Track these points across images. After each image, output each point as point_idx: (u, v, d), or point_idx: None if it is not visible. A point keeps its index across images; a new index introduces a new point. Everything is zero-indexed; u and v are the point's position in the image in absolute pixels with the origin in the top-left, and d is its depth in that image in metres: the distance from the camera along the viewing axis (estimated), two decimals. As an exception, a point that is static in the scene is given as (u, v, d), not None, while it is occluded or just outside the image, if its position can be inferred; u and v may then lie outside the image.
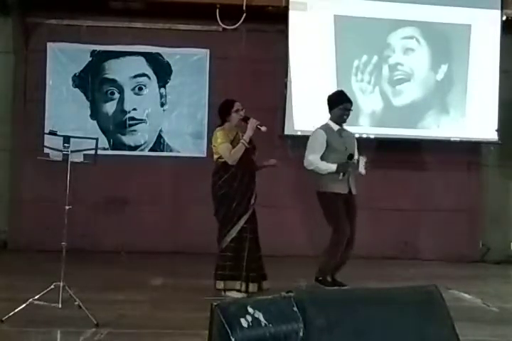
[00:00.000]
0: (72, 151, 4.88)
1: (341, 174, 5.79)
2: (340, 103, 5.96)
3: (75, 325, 4.47)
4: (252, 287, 5.51)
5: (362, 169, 5.86)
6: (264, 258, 5.69)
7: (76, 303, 4.60)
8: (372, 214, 8.07)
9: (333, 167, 5.80)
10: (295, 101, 7.99)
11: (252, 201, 5.63)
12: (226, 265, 5.51)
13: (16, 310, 4.48)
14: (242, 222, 5.55)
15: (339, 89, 6.52)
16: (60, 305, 4.55)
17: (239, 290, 5.47)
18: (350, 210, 5.96)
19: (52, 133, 5.05)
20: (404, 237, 8.35)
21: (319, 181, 5.92)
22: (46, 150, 5.23)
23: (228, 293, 5.48)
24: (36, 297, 4.58)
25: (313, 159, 5.88)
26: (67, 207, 4.86)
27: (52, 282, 4.67)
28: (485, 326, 4.89)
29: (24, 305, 4.52)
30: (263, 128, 5.54)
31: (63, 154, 4.90)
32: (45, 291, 4.63)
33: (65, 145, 4.86)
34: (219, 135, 5.62)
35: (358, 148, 6.13)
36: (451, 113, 8.30)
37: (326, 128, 5.97)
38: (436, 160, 8.43)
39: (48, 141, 5.19)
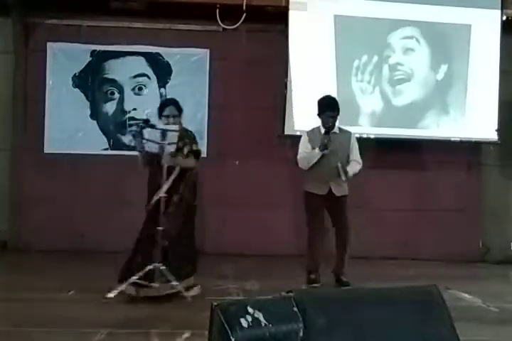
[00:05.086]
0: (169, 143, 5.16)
1: (320, 148, 5.97)
2: (322, 112, 6.13)
3: (75, 325, 4.48)
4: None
5: (342, 176, 5.96)
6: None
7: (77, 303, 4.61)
8: (372, 214, 8.09)
9: (316, 150, 6.01)
10: (295, 101, 7.98)
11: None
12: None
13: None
14: None
15: (327, 94, 6.46)
16: (60, 305, 4.56)
17: None
18: (334, 211, 6.11)
19: (146, 122, 5.30)
20: (404, 237, 8.34)
21: (304, 180, 6.23)
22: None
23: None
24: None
25: (298, 157, 6.17)
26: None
27: (52, 282, 4.68)
28: (485, 326, 4.89)
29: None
30: None
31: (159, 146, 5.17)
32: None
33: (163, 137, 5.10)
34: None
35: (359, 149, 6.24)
36: (451, 113, 8.30)
37: (312, 131, 6.21)
38: (436, 160, 8.42)
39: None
